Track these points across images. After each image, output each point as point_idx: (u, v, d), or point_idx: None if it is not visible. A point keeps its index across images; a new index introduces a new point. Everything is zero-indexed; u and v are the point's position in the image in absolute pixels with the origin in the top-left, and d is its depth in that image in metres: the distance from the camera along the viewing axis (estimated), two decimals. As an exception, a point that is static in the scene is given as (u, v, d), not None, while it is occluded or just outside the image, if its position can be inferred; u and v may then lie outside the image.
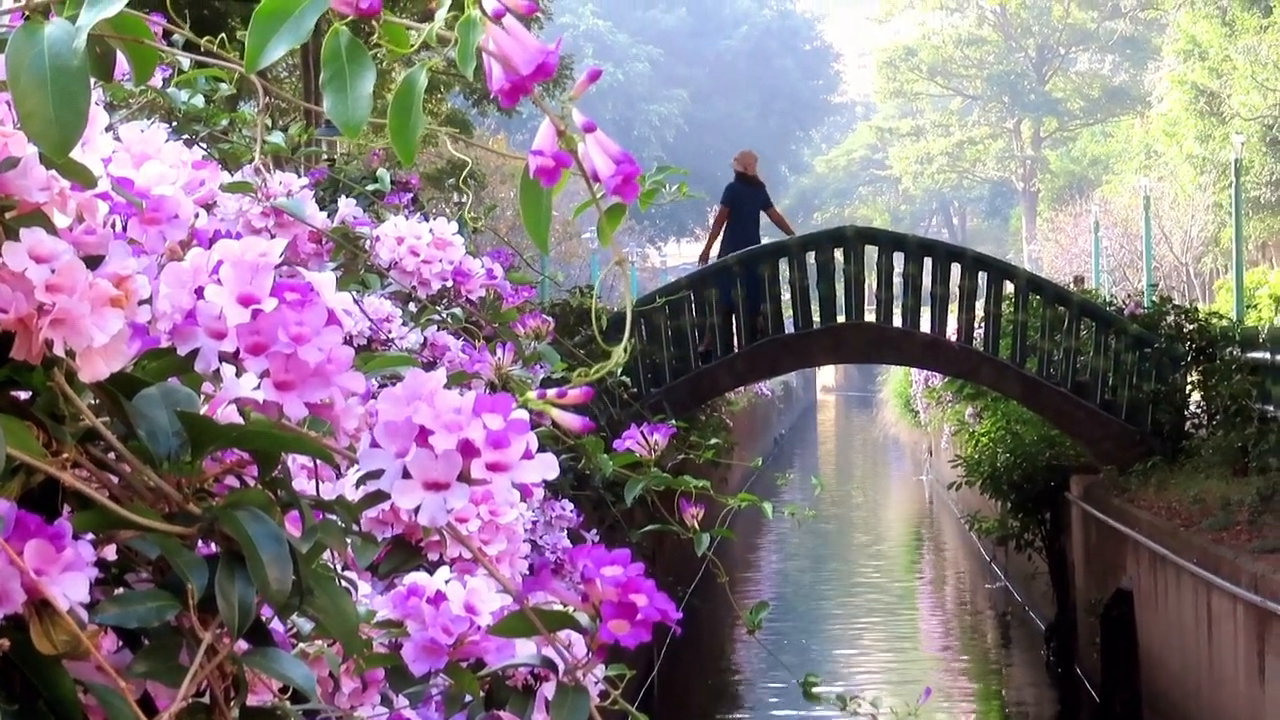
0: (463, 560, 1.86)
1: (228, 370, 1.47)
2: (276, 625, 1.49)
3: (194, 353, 1.46)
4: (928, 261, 20.49)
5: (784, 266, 20.68)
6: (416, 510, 1.44)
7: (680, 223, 79.45)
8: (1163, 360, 19.24)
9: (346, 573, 1.75)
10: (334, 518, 1.58)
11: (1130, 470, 18.70)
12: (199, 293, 1.47)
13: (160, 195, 1.69)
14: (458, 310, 4.22)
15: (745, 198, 21.67)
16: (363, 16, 1.41)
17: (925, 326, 20.72)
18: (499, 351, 4.13)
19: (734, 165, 21.96)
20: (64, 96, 1.30)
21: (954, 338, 20.66)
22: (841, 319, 20.75)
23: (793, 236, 22.11)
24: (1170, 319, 19.85)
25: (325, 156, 10.53)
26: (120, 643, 1.37)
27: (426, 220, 3.85)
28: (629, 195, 1.47)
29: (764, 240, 21.77)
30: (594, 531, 5.75)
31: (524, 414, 1.48)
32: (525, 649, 1.73)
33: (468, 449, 1.45)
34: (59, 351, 1.34)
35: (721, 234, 21.67)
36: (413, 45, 1.47)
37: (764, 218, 22.17)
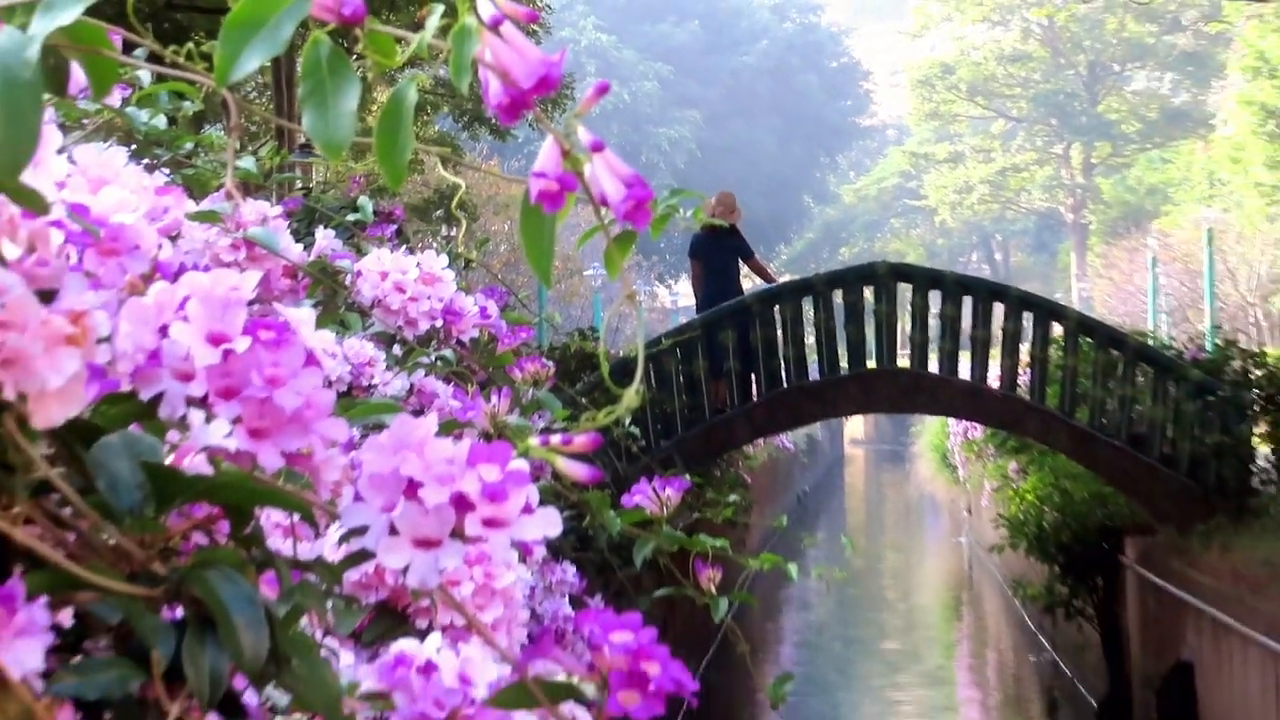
0: (455, 627, 1.86)
1: (196, 416, 1.46)
2: (250, 697, 1.48)
3: (158, 397, 1.45)
4: (967, 301, 20.48)
5: (808, 307, 20.68)
6: (404, 571, 1.43)
7: (693, 258, 79.30)
8: (1228, 410, 19.19)
9: (327, 640, 1.75)
10: (313, 579, 1.58)
11: (1191, 530, 18.64)
12: (163, 331, 1.46)
13: (120, 224, 1.68)
14: (448, 353, 4.21)
15: (711, 250, 21.54)
16: (345, 25, 1.41)
17: (964, 373, 20.70)
18: (494, 398, 4.13)
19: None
20: (14, 113, 1.28)
21: (996, 385, 20.65)
22: (872, 365, 20.72)
23: (816, 276, 22.06)
24: (1236, 364, 19.81)
25: (300, 184, 10.56)
26: (79, 716, 1.36)
27: (413, 254, 3.85)
28: (641, 221, 1.46)
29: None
30: (598, 598, 5.73)
31: (524, 465, 1.47)
32: (525, 724, 1.72)
33: (462, 503, 1.44)
34: (9, 395, 1.33)
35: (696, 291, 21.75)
36: (401, 56, 1.46)
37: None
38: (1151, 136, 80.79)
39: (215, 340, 1.45)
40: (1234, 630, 16.07)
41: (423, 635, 1.80)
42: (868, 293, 20.54)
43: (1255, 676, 15.58)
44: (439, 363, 4.24)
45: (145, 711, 1.35)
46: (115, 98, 4.08)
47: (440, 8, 1.43)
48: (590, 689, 1.56)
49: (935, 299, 20.64)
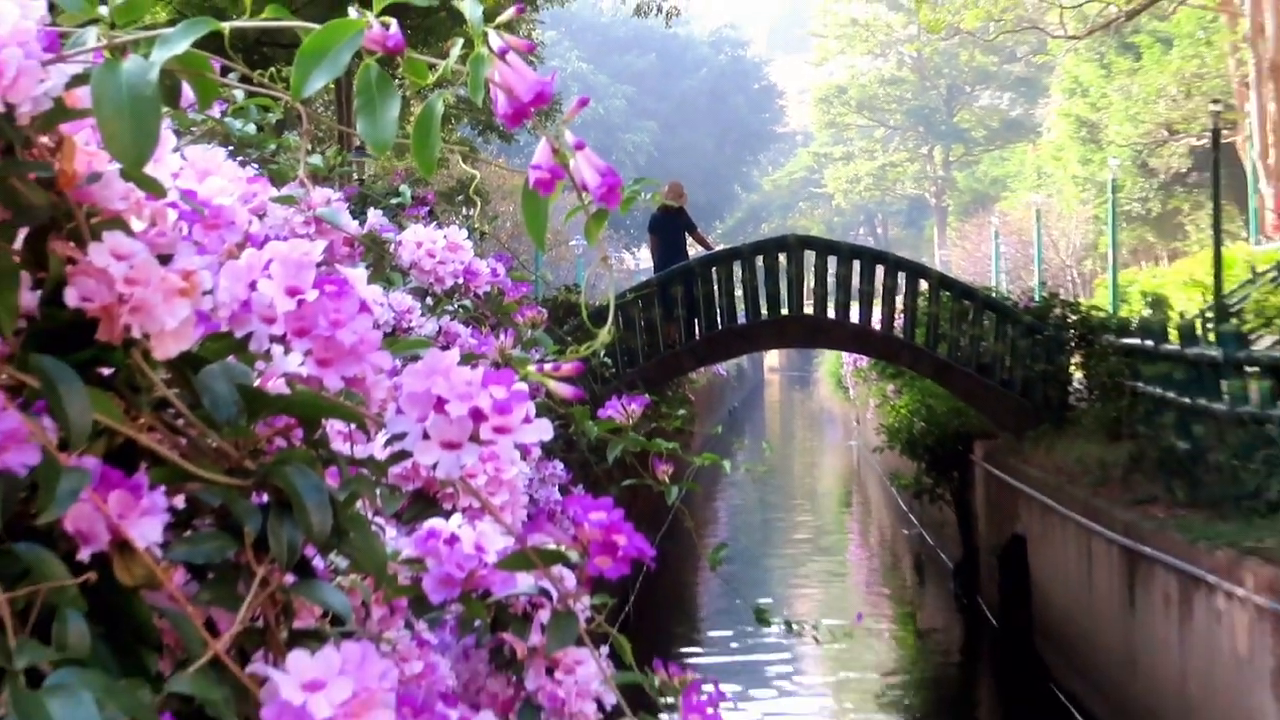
0: (472, 509, 1.86)
1: (277, 350, 1.47)
2: (318, 561, 1.49)
3: (249, 335, 1.46)
4: (856, 264, 20.52)
5: (737, 268, 20.70)
6: (434, 466, 1.44)
7: (651, 232, 79.18)
8: (1051, 345, 19.29)
9: (376, 518, 1.75)
10: (366, 473, 1.58)
11: (1024, 436, 18.75)
12: (253, 286, 1.47)
13: (220, 205, 1.68)
14: (467, 303, 4.21)
15: (665, 225, 21.53)
16: (389, 54, 1.42)
17: (854, 318, 20.73)
18: (501, 337, 4.12)
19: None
20: (139, 121, 1.29)
21: (878, 327, 20.70)
22: (784, 312, 20.73)
23: (743, 245, 22.08)
24: (1057, 311, 19.91)
25: (356, 177, 10.51)
26: (188, 576, 1.37)
27: (441, 228, 3.84)
28: (613, 202, 1.48)
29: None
30: (580, 487, 5.73)
31: (524, 387, 1.48)
32: (525, 581, 1.73)
33: (477, 415, 1.44)
34: (136, 334, 1.33)
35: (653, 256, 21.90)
36: (431, 78, 1.48)
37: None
38: (994, 140, 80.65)
39: (292, 292, 1.46)
40: (1055, 510, 16.16)
41: (448, 515, 1.80)
42: (782, 258, 20.58)
43: (1071, 545, 15.69)
44: (460, 310, 4.23)
45: (239, 573, 1.37)
46: (215, 110, 4.07)
47: (461, 41, 1.45)
48: (574, 555, 1.57)
49: (832, 262, 20.68)
